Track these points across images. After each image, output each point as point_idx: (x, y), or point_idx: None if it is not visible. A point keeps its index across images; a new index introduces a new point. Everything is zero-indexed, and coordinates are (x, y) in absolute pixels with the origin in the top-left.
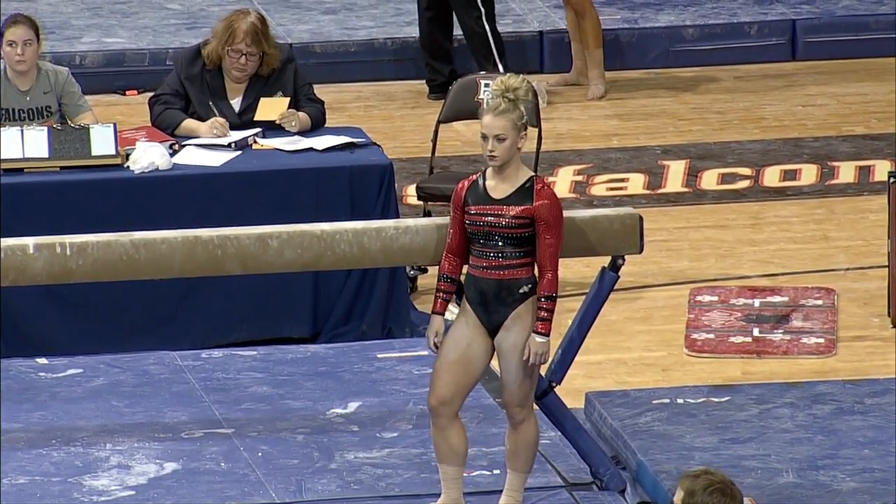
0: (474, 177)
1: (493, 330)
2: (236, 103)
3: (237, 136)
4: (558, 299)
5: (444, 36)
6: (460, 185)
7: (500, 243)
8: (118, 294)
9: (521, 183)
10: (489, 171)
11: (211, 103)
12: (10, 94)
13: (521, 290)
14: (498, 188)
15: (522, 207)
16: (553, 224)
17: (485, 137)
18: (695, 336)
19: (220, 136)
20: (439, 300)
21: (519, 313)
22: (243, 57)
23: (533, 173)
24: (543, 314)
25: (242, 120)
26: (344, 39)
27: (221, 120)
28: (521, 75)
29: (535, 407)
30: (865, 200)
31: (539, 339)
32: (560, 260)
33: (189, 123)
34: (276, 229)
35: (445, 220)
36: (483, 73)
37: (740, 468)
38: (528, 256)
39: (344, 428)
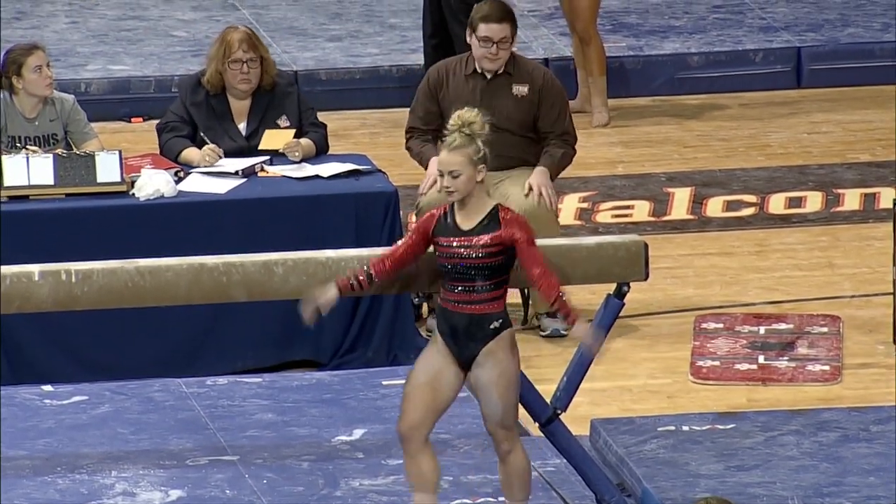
0: (442, 209)
1: (464, 363)
2: (243, 127)
3: (243, 163)
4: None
5: None
6: (429, 215)
7: (471, 276)
8: (123, 322)
9: (487, 211)
10: (456, 204)
11: (202, 133)
12: (16, 121)
13: (491, 326)
14: (465, 220)
15: (491, 235)
16: (531, 240)
17: (441, 174)
18: (700, 363)
19: (211, 164)
20: (348, 280)
21: (490, 349)
22: (244, 65)
23: (496, 202)
24: (567, 308)
25: (251, 144)
26: (349, 67)
27: (213, 146)
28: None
29: (539, 433)
30: (870, 228)
31: (581, 326)
32: (564, 287)
33: (188, 154)
34: (282, 256)
35: None
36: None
37: (746, 495)
38: (498, 289)
39: (349, 455)
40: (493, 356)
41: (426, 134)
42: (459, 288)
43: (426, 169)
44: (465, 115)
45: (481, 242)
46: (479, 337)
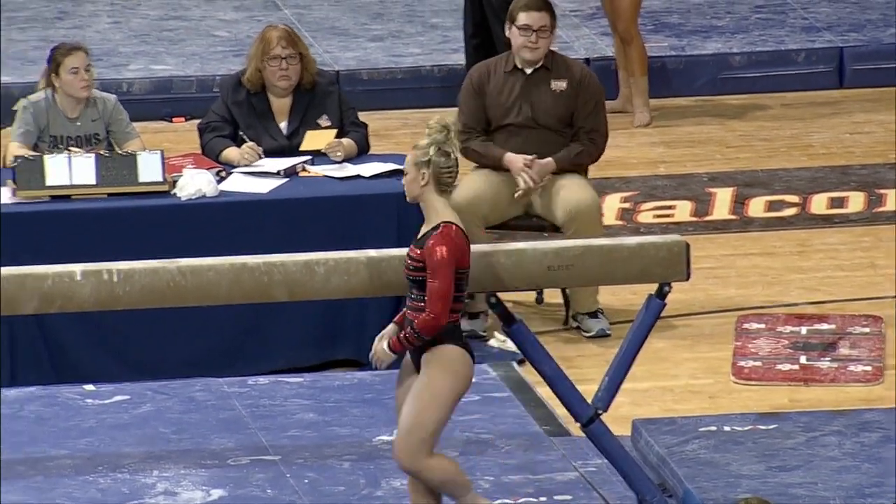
0: None
1: (418, 371)
2: (284, 126)
3: (285, 163)
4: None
5: None
6: None
7: (409, 284)
8: (165, 322)
9: (433, 225)
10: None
11: (243, 132)
12: (58, 121)
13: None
14: (423, 229)
15: (420, 250)
16: (434, 269)
17: None
18: (742, 363)
19: (251, 163)
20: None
21: (426, 359)
22: (283, 61)
23: (448, 219)
24: (405, 337)
25: (291, 143)
26: (391, 67)
27: (251, 144)
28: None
29: (580, 434)
30: None
31: (387, 350)
32: (607, 287)
33: (228, 153)
34: (323, 256)
35: (492, 247)
36: None
37: (787, 496)
38: None
39: (390, 455)
40: (426, 366)
41: (481, 134)
42: (411, 294)
43: (495, 168)
44: (442, 119)
45: (411, 255)
46: (417, 345)
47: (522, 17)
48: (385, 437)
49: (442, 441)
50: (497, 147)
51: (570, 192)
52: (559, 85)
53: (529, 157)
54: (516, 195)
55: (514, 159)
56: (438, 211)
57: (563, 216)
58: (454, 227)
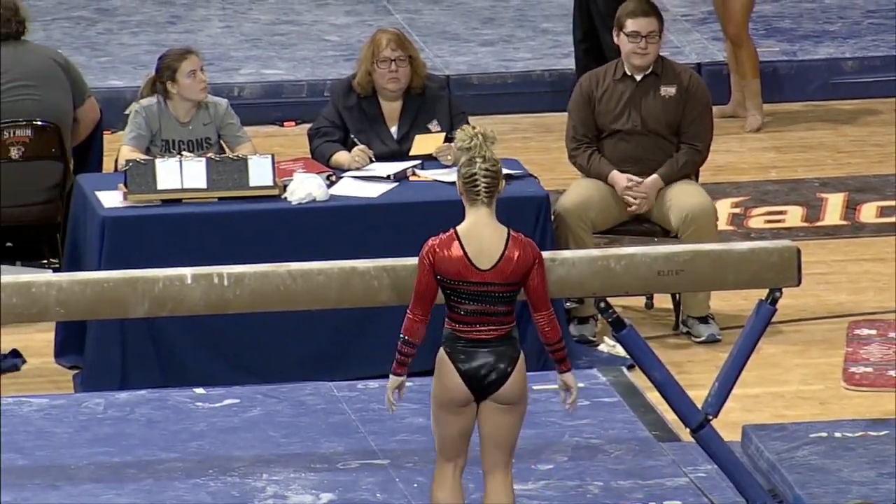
0: None
1: None
2: (395, 131)
3: (395, 167)
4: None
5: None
6: None
7: None
8: (274, 325)
9: None
10: None
11: (354, 137)
12: (170, 125)
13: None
14: None
15: None
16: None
17: None
18: (853, 369)
19: (361, 166)
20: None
21: None
22: (393, 63)
23: (457, 227)
24: (397, 350)
25: (402, 147)
26: (501, 71)
27: (363, 147)
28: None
29: (690, 439)
30: None
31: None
32: (718, 292)
33: (338, 157)
34: None
35: (602, 252)
36: None
37: None
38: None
39: None
40: None
41: (591, 144)
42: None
43: (605, 181)
44: (468, 130)
45: None
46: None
47: (630, 24)
48: None
49: (551, 445)
50: (604, 163)
51: (685, 197)
52: (668, 91)
53: (634, 179)
54: (630, 209)
55: (619, 180)
56: (466, 216)
57: (678, 221)
58: (450, 234)
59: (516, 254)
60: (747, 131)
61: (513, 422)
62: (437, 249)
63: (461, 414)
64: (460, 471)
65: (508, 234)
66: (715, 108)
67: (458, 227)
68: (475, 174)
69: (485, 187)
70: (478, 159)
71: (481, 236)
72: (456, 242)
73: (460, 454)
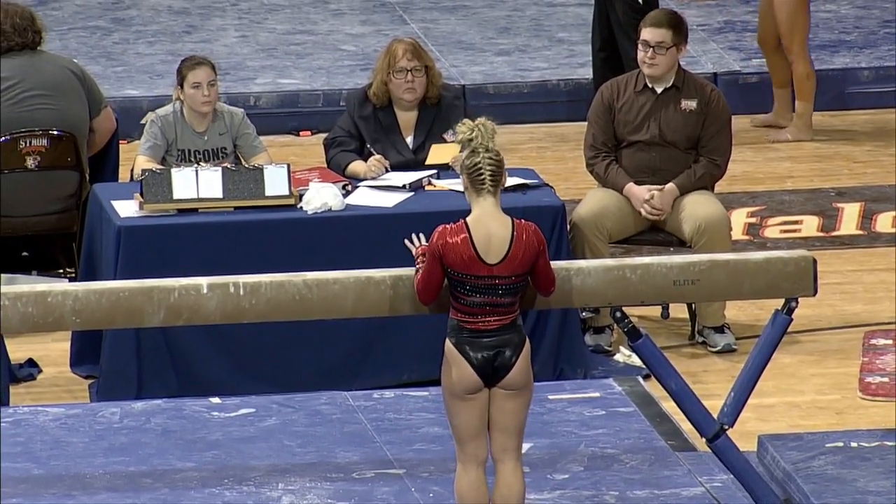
0: None
1: None
2: (410, 141)
3: (411, 177)
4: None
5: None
6: None
7: None
8: (290, 335)
9: None
10: None
11: (370, 146)
12: (186, 135)
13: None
14: None
15: None
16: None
17: None
18: (869, 379)
19: (377, 176)
20: None
21: None
22: (409, 73)
23: (466, 218)
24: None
25: (417, 157)
26: (517, 81)
27: (379, 157)
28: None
29: (706, 449)
30: None
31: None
32: (733, 302)
33: (354, 167)
34: None
35: (618, 261)
36: None
37: None
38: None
39: None
40: None
41: (609, 153)
42: None
43: (620, 192)
44: (467, 122)
45: None
46: None
47: (643, 32)
48: None
49: (567, 455)
50: (621, 174)
51: (698, 207)
52: (689, 104)
53: (651, 190)
54: (644, 214)
55: (636, 193)
56: (472, 210)
57: (691, 231)
58: (460, 224)
59: (522, 247)
60: (772, 141)
61: (520, 407)
62: (448, 239)
63: (474, 401)
64: (483, 466)
65: (513, 224)
66: (755, 118)
67: (469, 218)
68: (479, 163)
69: (490, 176)
70: (480, 149)
71: (489, 230)
72: (465, 235)
73: (479, 447)
